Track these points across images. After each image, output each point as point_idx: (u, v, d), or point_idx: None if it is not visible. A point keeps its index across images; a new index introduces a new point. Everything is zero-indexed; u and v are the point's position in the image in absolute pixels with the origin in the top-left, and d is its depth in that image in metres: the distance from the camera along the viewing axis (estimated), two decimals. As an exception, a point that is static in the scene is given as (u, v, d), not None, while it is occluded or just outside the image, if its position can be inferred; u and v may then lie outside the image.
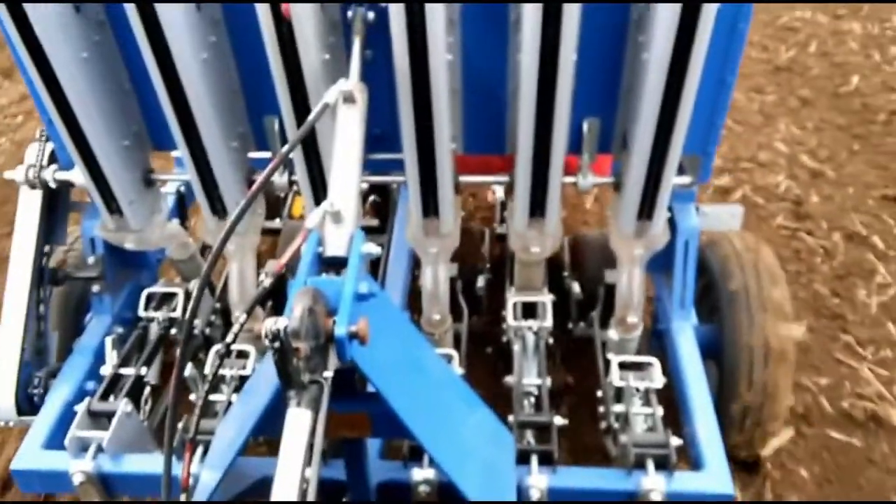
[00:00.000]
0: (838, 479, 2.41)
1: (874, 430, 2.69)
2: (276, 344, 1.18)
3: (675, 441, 1.80)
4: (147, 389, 2.16)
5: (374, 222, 2.99)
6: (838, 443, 2.62)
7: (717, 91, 1.89)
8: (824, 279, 3.36)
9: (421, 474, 1.78)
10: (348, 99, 1.55)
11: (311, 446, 1.20)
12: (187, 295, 2.35)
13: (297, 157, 1.93)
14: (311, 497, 1.16)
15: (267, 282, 1.32)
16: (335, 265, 1.37)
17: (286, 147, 1.41)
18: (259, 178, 1.37)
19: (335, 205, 1.37)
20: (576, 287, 2.51)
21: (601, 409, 2.04)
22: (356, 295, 1.29)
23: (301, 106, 1.78)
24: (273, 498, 1.17)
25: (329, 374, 1.24)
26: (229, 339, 1.35)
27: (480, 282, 2.58)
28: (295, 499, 1.17)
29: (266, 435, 1.73)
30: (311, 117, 1.45)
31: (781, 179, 4.00)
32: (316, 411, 1.22)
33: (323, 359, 1.23)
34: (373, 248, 1.39)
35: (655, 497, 1.74)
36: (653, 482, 1.75)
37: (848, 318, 3.15)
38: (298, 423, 1.22)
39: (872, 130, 4.38)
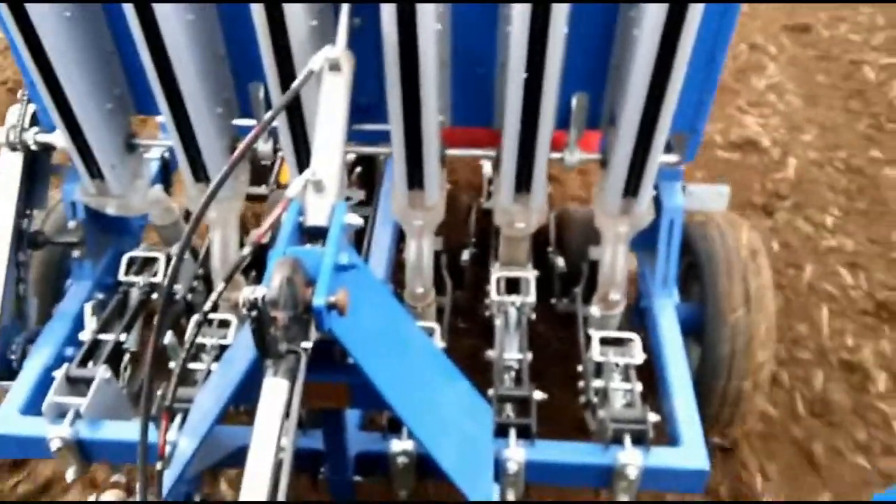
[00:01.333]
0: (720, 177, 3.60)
1: (749, 150, 4.06)
2: (254, 313, 1.17)
3: (653, 417, 1.81)
4: (127, 356, 2.15)
5: (360, 194, 2.97)
6: (724, 158, 4.00)
7: (707, 69, 1.87)
8: (729, 72, 4.55)
9: (399, 445, 1.79)
10: (334, 66, 1.52)
11: (287, 416, 1.20)
12: (169, 260, 2.33)
13: (282, 125, 1.91)
14: (286, 466, 1.16)
15: (246, 251, 1.31)
16: (316, 235, 1.36)
17: (269, 114, 1.39)
18: (241, 145, 1.35)
19: (317, 174, 1.36)
20: (560, 262, 2.51)
21: (581, 384, 2.06)
22: (336, 266, 1.28)
23: (287, 73, 1.76)
24: (248, 467, 1.17)
25: (308, 344, 1.24)
26: (207, 307, 1.34)
27: (465, 256, 2.57)
28: (270, 470, 1.17)
29: (244, 404, 1.72)
30: (295, 84, 1.42)
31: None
32: (293, 381, 1.22)
33: (301, 329, 1.23)
34: (355, 219, 1.38)
35: (632, 472, 1.75)
36: (629, 457, 1.76)
37: (741, 93, 4.47)
38: (274, 392, 1.21)
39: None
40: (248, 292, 1.16)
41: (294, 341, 1.22)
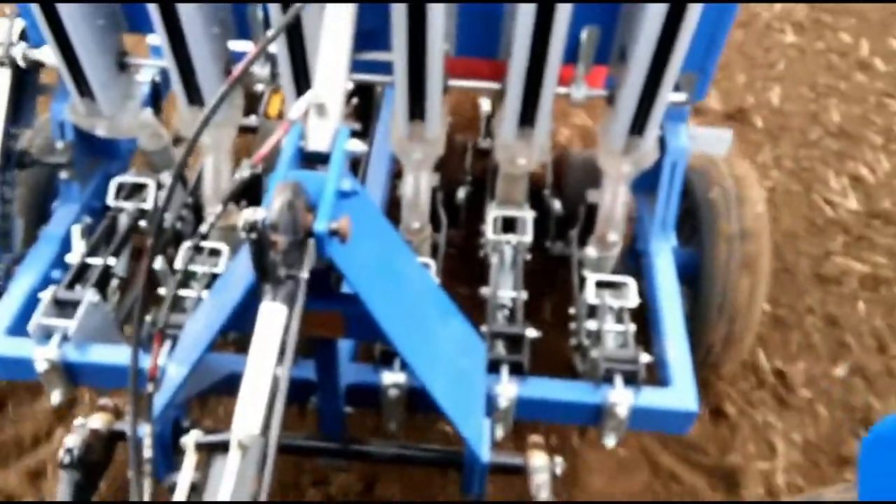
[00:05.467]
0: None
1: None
2: (254, 235, 1.14)
3: (645, 357, 1.81)
4: (115, 281, 2.12)
5: (356, 126, 2.91)
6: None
7: (721, 8, 1.83)
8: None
9: (391, 378, 1.79)
10: None
11: (283, 343, 1.18)
12: (158, 186, 2.28)
13: (282, 49, 1.84)
14: (281, 394, 1.15)
15: (245, 172, 1.27)
16: (317, 160, 1.33)
17: (270, 33, 1.33)
18: (239, 65, 1.30)
19: (320, 97, 1.31)
20: (556, 204, 2.48)
21: (573, 325, 2.05)
22: (338, 192, 1.25)
23: None
24: (242, 393, 1.16)
25: (306, 272, 1.21)
26: (203, 229, 1.31)
27: (461, 194, 2.54)
28: (266, 395, 1.16)
29: (237, 330, 1.70)
30: (297, 3, 1.36)
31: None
32: (291, 307, 1.20)
33: (300, 254, 1.20)
34: (358, 145, 1.34)
35: (621, 411, 1.76)
36: (620, 396, 1.76)
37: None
38: (272, 317, 1.20)
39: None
40: (248, 213, 1.13)
41: (293, 267, 1.20)
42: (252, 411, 1.14)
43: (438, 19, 1.68)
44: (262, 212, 1.14)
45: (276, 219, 1.14)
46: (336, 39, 1.42)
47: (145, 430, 1.30)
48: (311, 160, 1.33)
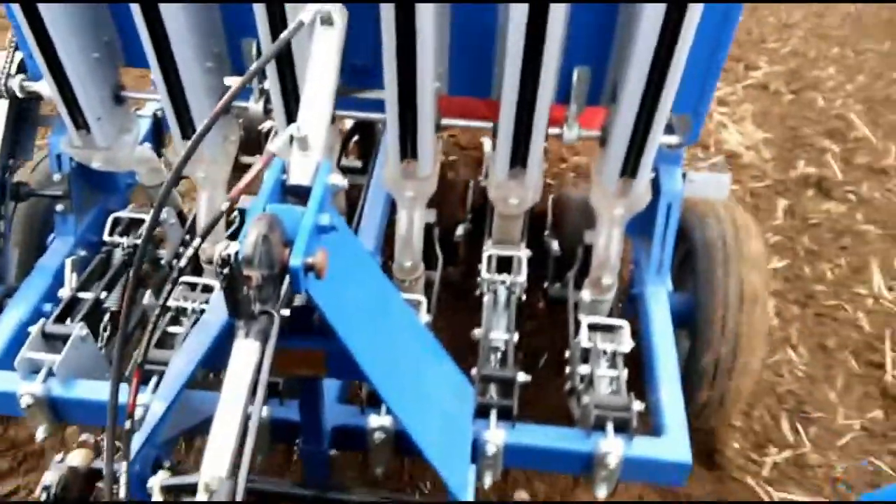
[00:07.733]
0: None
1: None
2: (226, 270, 1.12)
3: (638, 405, 1.76)
4: (106, 316, 2.10)
5: (357, 163, 2.92)
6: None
7: (712, 51, 1.82)
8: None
9: (377, 421, 1.75)
10: (326, 20, 1.46)
11: (256, 380, 1.15)
12: (157, 222, 2.28)
13: (273, 82, 1.85)
14: (252, 432, 1.11)
15: (224, 206, 1.26)
16: (299, 195, 1.31)
17: (256, 64, 1.33)
18: (226, 95, 1.29)
19: (302, 130, 1.30)
20: (555, 245, 2.45)
21: (568, 369, 2.01)
22: (317, 226, 1.23)
23: (280, 28, 1.69)
24: (213, 432, 1.13)
25: (284, 310, 1.19)
26: (182, 262, 1.29)
27: (459, 231, 2.52)
28: (236, 432, 1.13)
29: (216, 367, 1.68)
30: (283, 35, 1.36)
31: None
32: (264, 343, 1.17)
33: (275, 290, 1.18)
34: (339, 180, 1.33)
35: (612, 461, 1.71)
36: (611, 445, 1.71)
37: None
38: (245, 354, 1.17)
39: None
40: (220, 248, 1.11)
41: (268, 302, 1.17)
42: (221, 451, 1.11)
43: (428, 56, 1.67)
44: (236, 246, 1.11)
45: (249, 253, 1.12)
46: (321, 73, 1.42)
47: (122, 469, 1.26)
48: (293, 194, 1.31)
